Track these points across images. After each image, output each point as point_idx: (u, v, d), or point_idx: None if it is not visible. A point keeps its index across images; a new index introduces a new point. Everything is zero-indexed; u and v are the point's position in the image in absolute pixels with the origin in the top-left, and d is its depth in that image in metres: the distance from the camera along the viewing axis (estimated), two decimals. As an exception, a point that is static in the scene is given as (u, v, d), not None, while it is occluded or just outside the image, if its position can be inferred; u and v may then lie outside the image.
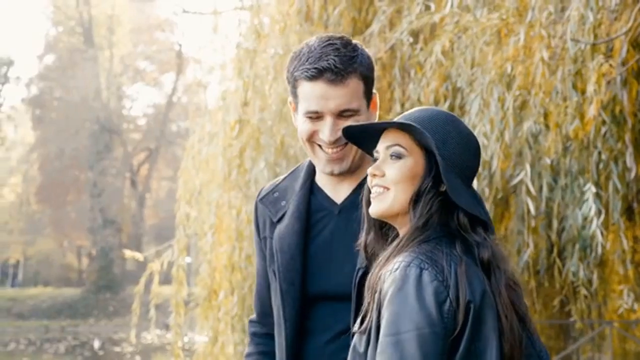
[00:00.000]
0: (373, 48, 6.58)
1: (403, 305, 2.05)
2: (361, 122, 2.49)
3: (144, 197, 49.40)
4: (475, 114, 5.64)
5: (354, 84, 2.49)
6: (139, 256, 9.76)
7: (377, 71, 6.61)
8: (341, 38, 2.55)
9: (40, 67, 51.73)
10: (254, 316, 2.96)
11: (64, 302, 43.88)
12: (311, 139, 2.55)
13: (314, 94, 2.48)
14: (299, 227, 2.63)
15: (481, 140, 5.55)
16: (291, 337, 2.61)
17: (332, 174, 2.59)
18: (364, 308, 2.22)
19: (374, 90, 2.63)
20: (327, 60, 2.45)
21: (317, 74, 2.46)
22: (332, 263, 2.58)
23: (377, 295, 2.14)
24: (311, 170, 2.74)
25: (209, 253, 7.65)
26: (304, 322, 2.60)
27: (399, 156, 2.24)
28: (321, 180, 2.70)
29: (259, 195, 2.84)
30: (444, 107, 6.27)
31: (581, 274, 6.19)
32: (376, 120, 2.64)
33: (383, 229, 2.37)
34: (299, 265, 2.60)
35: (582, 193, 5.79)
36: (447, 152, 2.20)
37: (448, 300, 2.06)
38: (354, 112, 2.51)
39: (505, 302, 2.16)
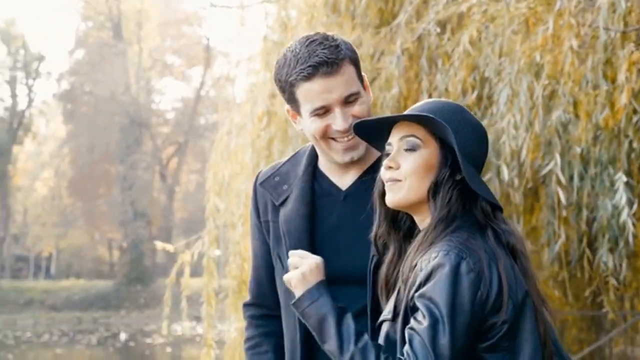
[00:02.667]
0: (400, 39, 6.56)
1: (439, 292, 2.08)
2: (367, 109, 2.60)
3: (173, 190, 49.60)
4: (503, 103, 5.61)
5: (348, 69, 2.56)
6: (169, 247, 9.81)
7: (404, 62, 6.64)
8: (318, 34, 2.60)
9: (71, 62, 52.05)
10: (249, 299, 2.97)
11: (96, 294, 44.16)
12: (325, 135, 2.59)
13: (316, 90, 2.53)
14: (304, 211, 2.68)
15: (510, 131, 5.53)
16: (302, 322, 2.56)
17: (351, 161, 2.63)
18: (393, 298, 2.25)
19: (363, 73, 2.68)
20: (317, 56, 2.51)
21: (313, 71, 2.51)
22: (340, 247, 2.61)
23: (409, 283, 2.16)
24: (313, 156, 2.78)
25: (238, 244, 7.67)
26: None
27: (414, 148, 2.26)
28: (325, 166, 2.74)
29: (257, 179, 2.88)
30: (472, 97, 6.25)
31: (611, 264, 6.14)
32: (371, 100, 2.70)
33: (395, 220, 2.39)
34: (306, 248, 2.60)
35: (613, 183, 5.74)
36: (461, 141, 2.21)
37: (480, 292, 2.09)
38: (356, 96, 2.57)
39: (535, 286, 2.23)
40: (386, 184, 2.31)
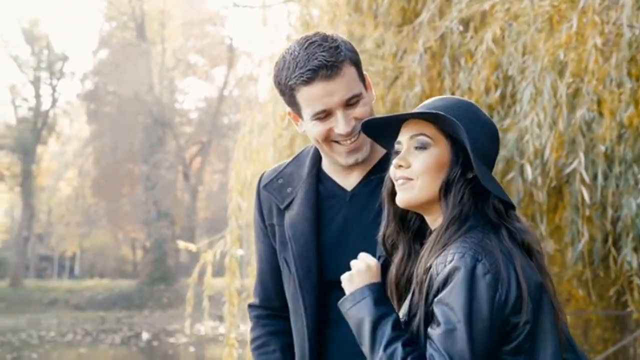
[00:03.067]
0: (423, 37, 6.54)
1: (457, 297, 2.05)
2: (369, 110, 2.56)
3: (196, 190, 49.72)
4: (527, 102, 5.58)
5: (348, 71, 2.52)
6: (192, 247, 9.81)
7: (427, 60, 6.62)
8: (317, 34, 2.56)
9: (95, 62, 52.29)
10: (254, 301, 2.94)
11: (120, 294, 44.34)
12: (327, 138, 2.56)
13: (316, 94, 2.49)
14: (310, 214, 2.65)
15: (534, 129, 5.50)
16: (313, 325, 2.62)
17: (356, 163, 2.59)
18: (408, 300, 2.24)
19: (365, 72, 2.64)
20: (316, 59, 2.47)
21: (312, 75, 2.47)
22: (347, 249, 2.55)
23: (426, 286, 2.13)
24: (317, 158, 2.74)
25: (261, 244, 7.66)
26: (324, 310, 2.61)
27: (424, 146, 2.22)
28: (329, 168, 2.71)
29: (260, 181, 2.85)
30: (495, 95, 6.22)
31: (635, 263, 6.09)
32: (374, 99, 2.67)
33: (404, 221, 2.36)
34: (313, 252, 2.62)
35: (637, 181, 5.70)
36: (472, 139, 2.17)
37: (498, 294, 2.05)
38: (358, 97, 2.53)
39: (551, 282, 2.19)
40: (396, 183, 2.27)
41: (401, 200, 2.25)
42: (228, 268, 8.12)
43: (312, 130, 2.57)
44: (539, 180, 5.86)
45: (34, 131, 46.69)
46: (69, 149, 56.82)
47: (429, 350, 2.08)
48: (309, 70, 2.46)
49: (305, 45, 2.50)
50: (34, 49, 48.08)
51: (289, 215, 2.69)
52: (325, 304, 2.62)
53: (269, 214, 2.78)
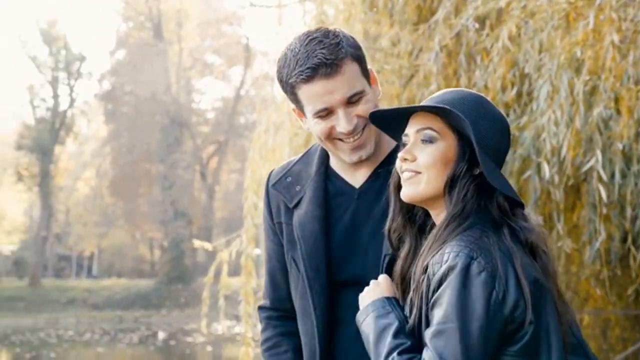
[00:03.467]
0: (438, 35, 6.51)
1: (451, 296, 2.00)
2: (373, 107, 2.49)
3: (213, 190, 49.82)
4: (543, 100, 5.55)
5: (349, 68, 2.46)
6: (207, 246, 9.83)
7: (442, 58, 6.59)
8: (318, 30, 2.51)
9: (112, 62, 52.45)
10: (264, 302, 2.90)
11: (137, 293, 44.48)
12: (330, 136, 2.51)
13: (317, 93, 2.45)
14: (319, 212, 2.60)
15: (550, 127, 5.47)
16: (322, 326, 2.58)
17: (360, 160, 2.55)
18: (408, 301, 2.19)
19: (369, 67, 2.58)
20: (315, 57, 2.42)
21: (312, 73, 2.42)
22: (356, 247, 2.54)
23: (424, 287, 2.10)
24: (325, 155, 2.69)
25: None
26: (333, 311, 2.57)
27: (430, 140, 2.18)
28: (337, 165, 2.66)
29: (269, 180, 2.80)
30: (512, 93, 6.19)
31: (653, 263, 6.05)
32: (380, 94, 2.62)
33: (410, 214, 2.31)
34: (322, 251, 2.57)
35: (655, 179, 5.66)
36: (480, 134, 2.13)
37: (494, 293, 2.00)
38: (360, 95, 2.48)
39: (555, 285, 2.13)
40: (402, 177, 2.23)
41: (406, 194, 2.21)
42: (244, 267, 8.12)
43: (315, 128, 2.53)
44: (556, 178, 5.82)
45: (52, 131, 46.87)
46: (87, 149, 57.03)
47: (424, 353, 2.04)
48: (308, 68, 2.42)
49: (306, 41, 2.46)
50: (51, 50, 48.28)
51: (298, 214, 2.65)
52: (335, 304, 2.58)
53: (277, 212, 2.74)
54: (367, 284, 2.38)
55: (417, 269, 2.14)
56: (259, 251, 9.11)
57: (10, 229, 53.82)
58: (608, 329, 9.03)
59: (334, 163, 2.67)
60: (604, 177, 5.55)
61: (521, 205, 2.17)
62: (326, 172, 2.67)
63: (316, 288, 2.58)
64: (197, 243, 10.02)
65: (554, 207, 6.17)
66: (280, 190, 2.73)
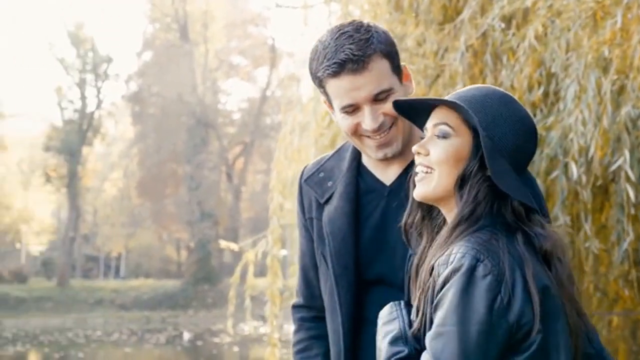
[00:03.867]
0: (464, 35, 6.48)
1: (453, 297, 1.93)
2: (407, 97, 2.43)
3: (239, 190, 49.95)
4: (571, 99, 5.51)
5: (378, 65, 2.41)
6: (233, 246, 9.85)
7: (468, 58, 6.56)
8: (351, 23, 2.46)
9: (139, 63, 52.76)
10: (298, 300, 2.87)
11: (164, 294, 44.68)
12: (356, 132, 2.48)
13: (343, 88, 2.41)
14: (349, 208, 2.56)
15: (578, 127, 5.43)
16: (348, 324, 2.53)
17: (385, 158, 2.50)
18: (415, 304, 2.11)
19: (402, 63, 2.53)
20: (343, 52, 2.38)
21: (338, 69, 2.38)
22: (385, 246, 2.49)
23: (430, 290, 2.03)
24: (357, 151, 2.65)
25: (301, 243, 7.65)
26: (360, 310, 2.52)
27: (445, 135, 2.11)
28: (369, 162, 2.62)
29: (302, 175, 2.78)
30: (538, 93, 6.15)
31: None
32: (412, 91, 2.56)
33: (429, 209, 2.24)
34: (351, 247, 2.53)
35: (684, 179, 5.61)
36: (497, 133, 2.06)
37: (499, 297, 1.91)
38: (388, 92, 2.42)
39: (569, 295, 2.02)
40: (416, 176, 2.17)
41: (418, 193, 2.15)
42: (270, 268, 8.12)
43: (342, 123, 2.50)
44: (584, 178, 5.77)
45: (79, 133, 47.17)
46: (114, 150, 57.33)
47: (422, 356, 1.99)
48: (335, 63, 2.38)
49: (337, 35, 2.42)
50: (79, 52, 48.58)
51: (328, 210, 2.62)
52: (362, 303, 2.54)
53: (309, 208, 2.71)
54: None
55: (424, 270, 2.07)
56: (285, 252, 9.12)
57: (38, 230, 54.19)
58: (638, 330, 8.95)
59: (365, 160, 2.64)
60: (632, 177, 5.50)
61: (536, 211, 2.08)
62: (358, 168, 2.63)
63: (343, 285, 2.54)
64: (223, 244, 10.05)
65: (581, 207, 6.12)
66: (312, 185, 2.70)
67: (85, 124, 47.65)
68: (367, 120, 2.42)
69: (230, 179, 49.84)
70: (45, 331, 34.30)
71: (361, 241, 2.54)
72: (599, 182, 5.97)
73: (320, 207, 2.66)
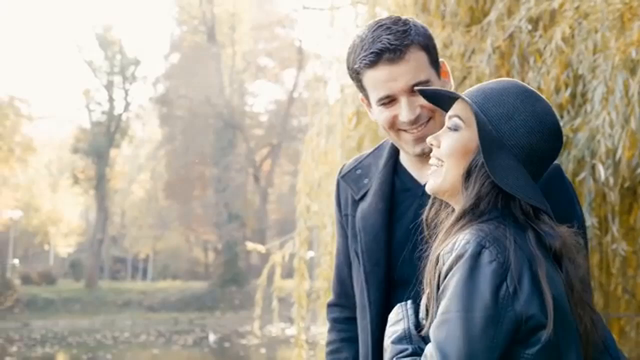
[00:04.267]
0: (491, 37, 6.48)
1: (457, 284, 1.86)
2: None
3: (266, 192, 50.07)
4: (598, 101, 5.48)
5: (416, 56, 2.36)
6: (260, 248, 9.86)
7: (495, 60, 6.56)
8: (389, 18, 2.41)
9: (166, 65, 53.06)
10: (332, 299, 2.84)
11: (192, 295, 44.86)
12: (393, 126, 2.43)
13: (380, 78, 2.36)
14: (382, 206, 2.51)
15: (605, 129, 5.41)
16: (376, 322, 2.48)
17: (422, 153, 2.42)
18: (423, 301, 2.07)
19: (441, 59, 2.49)
20: (380, 42, 2.33)
21: (375, 58, 2.34)
22: (416, 247, 2.38)
23: (435, 281, 1.97)
24: (395, 149, 2.61)
25: (329, 245, 7.66)
26: (389, 309, 2.39)
27: (455, 128, 2.06)
28: (405, 160, 2.57)
29: (340, 171, 2.74)
30: (565, 94, 6.13)
31: None
32: (452, 88, 2.49)
33: (448, 204, 2.17)
34: (383, 245, 2.48)
35: None
36: (508, 128, 2.00)
37: (505, 285, 1.85)
38: (425, 84, 2.36)
39: (578, 298, 1.97)
40: (430, 168, 2.13)
41: (428, 186, 2.12)
42: (297, 270, 8.14)
43: (379, 117, 2.45)
44: (611, 180, 5.75)
45: (107, 135, 47.44)
46: (142, 152, 57.64)
47: (426, 347, 1.92)
48: (372, 53, 2.34)
49: (374, 28, 2.39)
50: (107, 54, 48.86)
51: (362, 207, 2.58)
52: (391, 302, 2.44)
53: (345, 205, 2.68)
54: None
55: (431, 263, 2.00)
56: (312, 253, 9.13)
57: (66, 231, 54.53)
58: (666, 333, 8.91)
59: (403, 157, 2.58)
60: (660, 179, 5.48)
61: (542, 210, 2.01)
62: (395, 166, 2.59)
63: (373, 283, 2.51)
64: (250, 246, 10.06)
65: (609, 209, 6.10)
66: (349, 182, 2.66)
67: (113, 126, 47.92)
68: (404, 111, 2.38)
69: (258, 181, 49.95)
70: (73, 332, 34.53)
71: (393, 240, 2.50)
72: (627, 184, 5.95)
73: (355, 204, 2.62)
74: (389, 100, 2.39)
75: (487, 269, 1.85)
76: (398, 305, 2.22)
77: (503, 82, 2.12)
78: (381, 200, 2.53)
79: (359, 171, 2.67)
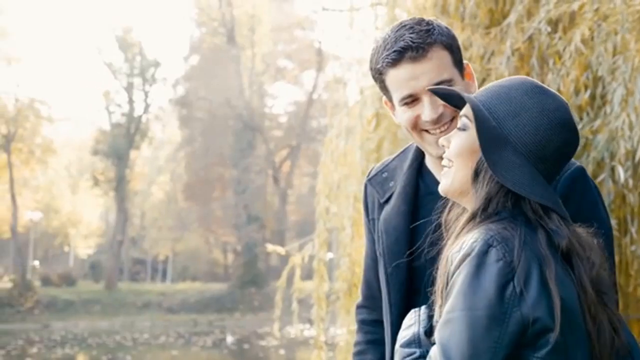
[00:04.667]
0: (511, 39, 6.48)
1: (463, 283, 1.82)
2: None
3: (286, 194, 50.10)
4: (617, 103, 5.48)
5: (439, 55, 2.33)
6: (280, 250, 9.89)
7: (515, 62, 6.56)
8: (412, 19, 2.39)
9: (186, 67, 53.19)
10: (360, 301, 2.82)
11: (211, 297, 44.93)
12: (416, 126, 2.39)
13: (403, 77, 2.33)
14: (405, 208, 2.49)
15: (625, 130, 5.41)
16: (397, 324, 2.41)
17: None
18: (437, 303, 1.99)
19: (465, 61, 2.46)
20: (403, 40, 2.31)
21: (398, 57, 2.31)
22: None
23: (445, 279, 1.93)
24: (420, 152, 2.59)
25: (348, 246, 7.68)
26: (408, 312, 2.37)
27: (464, 128, 2.04)
28: (431, 162, 2.54)
29: (368, 175, 2.72)
30: (585, 96, 6.13)
31: None
32: (475, 90, 2.46)
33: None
34: (404, 248, 2.45)
35: None
36: (516, 125, 1.96)
37: (512, 284, 1.80)
38: (448, 83, 2.33)
39: (591, 299, 1.90)
40: (442, 169, 2.11)
41: (440, 187, 2.11)
42: (316, 271, 8.15)
43: (402, 117, 2.42)
44: (630, 182, 5.74)
45: (127, 136, 47.57)
46: (162, 154, 57.81)
47: (431, 349, 1.91)
48: (394, 51, 2.32)
49: (397, 28, 2.37)
50: (127, 56, 49.02)
51: (386, 209, 2.57)
52: (414, 305, 2.39)
53: (372, 208, 2.66)
54: None
55: (441, 264, 1.96)
56: (332, 255, 9.14)
57: (86, 233, 54.77)
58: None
59: (428, 160, 2.57)
60: (680, 180, 5.47)
61: (551, 209, 1.95)
62: (420, 169, 2.57)
63: (394, 285, 2.50)
64: (269, 247, 10.09)
65: (628, 210, 6.09)
66: (375, 185, 2.65)
67: (132, 127, 48.06)
68: (427, 110, 2.35)
69: (277, 182, 50.00)
70: (93, 334, 34.68)
71: (415, 243, 2.45)
72: (647, 186, 5.94)
73: (381, 207, 2.61)
74: (412, 100, 2.37)
75: (493, 268, 1.81)
76: (412, 310, 2.21)
77: (513, 79, 2.08)
78: (404, 203, 2.52)
79: (385, 174, 2.66)
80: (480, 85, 7.24)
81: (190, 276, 55.41)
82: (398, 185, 2.57)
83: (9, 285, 41.44)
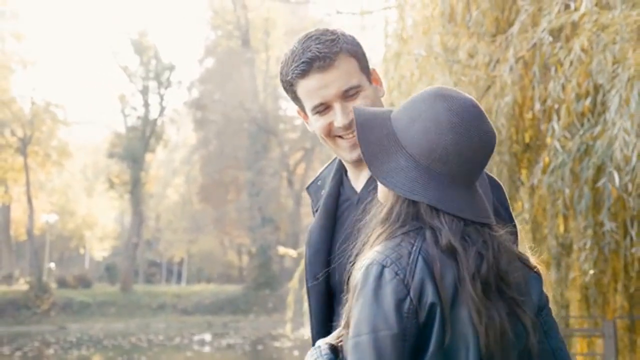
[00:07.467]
0: (514, 47, 6.63)
1: (363, 306, 1.87)
2: (371, 103, 2.40)
3: (300, 196, 50.08)
4: (615, 110, 5.63)
5: (345, 62, 2.39)
6: (292, 252, 9.97)
7: (518, 70, 6.71)
8: (317, 30, 2.45)
9: (201, 70, 53.23)
10: None
11: (226, 299, 44.99)
12: (330, 133, 2.44)
13: (312, 87, 2.39)
14: (325, 220, 2.52)
15: (621, 136, 5.54)
16: (317, 332, 2.48)
17: (359, 159, 2.39)
18: (345, 310, 2.01)
19: (372, 67, 2.51)
20: (310, 51, 2.37)
21: (307, 67, 2.37)
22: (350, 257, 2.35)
23: (348, 293, 1.97)
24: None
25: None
26: (330, 320, 2.44)
27: None
28: (348, 168, 2.56)
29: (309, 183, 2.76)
30: (586, 103, 6.27)
31: None
32: (383, 94, 2.53)
33: None
34: (323, 258, 2.48)
35: None
36: (411, 131, 1.99)
37: (408, 299, 1.85)
38: (357, 89, 2.40)
39: (471, 292, 1.89)
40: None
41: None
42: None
43: (315, 125, 2.46)
44: (629, 186, 5.87)
45: (142, 139, 47.68)
46: (176, 157, 57.90)
47: None
48: (302, 62, 2.38)
49: (304, 40, 2.42)
50: (142, 59, 49.17)
51: (314, 220, 2.59)
52: (332, 314, 2.47)
53: (313, 214, 2.69)
54: None
55: (350, 277, 2.00)
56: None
57: (102, 235, 54.99)
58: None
59: (347, 167, 2.57)
60: (677, 185, 5.60)
61: (441, 210, 1.96)
62: (341, 177, 2.60)
63: (313, 295, 2.52)
64: (281, 250, 10.21)
65: (627, 214, 6.23)
66: (311, 193, 2.72)
67: (148, 130, 48.18)
68: (338, 116, 2.39)
69: (291, 185, 50.05)
70: (108, 335, 34.85)
71: (333, 253, 2.48)
72: (645, 191, 6.07)
73: (314, 215, 2.64)
74: (324, 108, 2.42)
75: (388, 288, 1.86)
76: (312, 347, 2.19)
77: (426, 89, 2.09)
78: (324, 214, 2.55)
79: (319, 182, 2.70)
80: (485, 93, 7.36)
81: (205, 278, 55.54)
82: (324, 194, 2.60)
83: (25, 287, 41.66)
